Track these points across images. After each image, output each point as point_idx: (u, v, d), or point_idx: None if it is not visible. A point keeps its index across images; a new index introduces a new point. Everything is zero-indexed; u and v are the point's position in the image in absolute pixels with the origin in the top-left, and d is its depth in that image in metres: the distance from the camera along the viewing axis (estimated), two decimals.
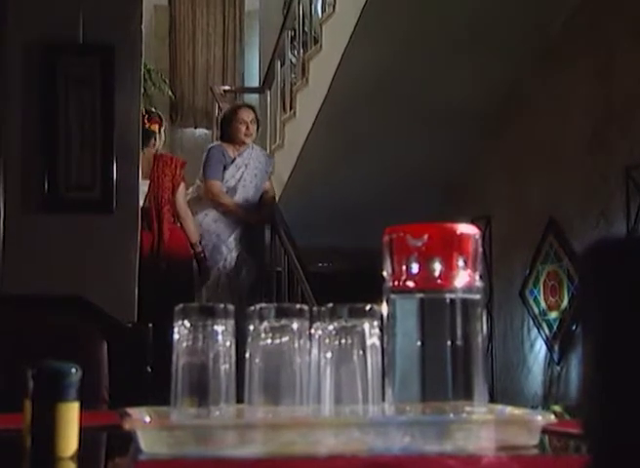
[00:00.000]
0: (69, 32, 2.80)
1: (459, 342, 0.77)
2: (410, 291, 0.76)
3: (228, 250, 4.26)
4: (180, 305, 0.82)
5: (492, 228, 4.84)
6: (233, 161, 4.38)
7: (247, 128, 4.38)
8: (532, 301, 4.56)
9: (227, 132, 4.42)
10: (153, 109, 4.45)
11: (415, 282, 0.76)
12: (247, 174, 4.38)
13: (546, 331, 4.42)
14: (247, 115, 4.41)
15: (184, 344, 0.82)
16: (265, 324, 0.82)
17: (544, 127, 4.52)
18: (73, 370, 0.77)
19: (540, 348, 4.47)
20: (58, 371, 0.76)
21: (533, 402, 4.33)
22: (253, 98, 7.04)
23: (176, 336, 0.83)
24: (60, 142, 2.77)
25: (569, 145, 4.35)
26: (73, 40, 2.81)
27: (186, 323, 0.81)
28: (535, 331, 4.51)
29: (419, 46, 4.42)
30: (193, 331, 0.81)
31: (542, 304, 4.48)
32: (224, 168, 4.36)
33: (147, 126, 3.93)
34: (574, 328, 4.25)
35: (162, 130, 4.21)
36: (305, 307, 0.85)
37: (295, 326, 0.82)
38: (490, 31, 4.35)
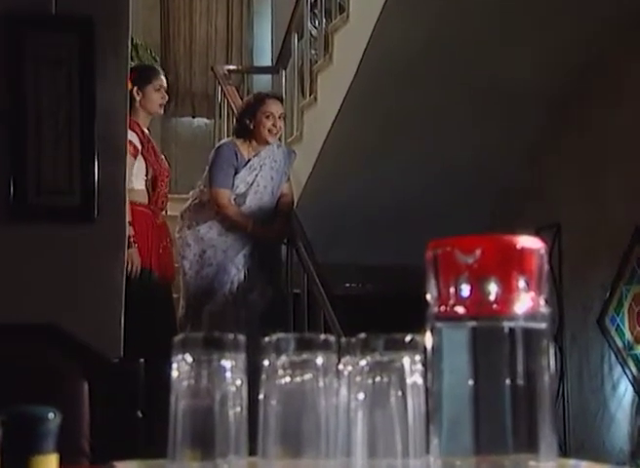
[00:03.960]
0: (39, 2, 2.85)
1: (520, 382, 0.77)
2: (459, 318, 0.77)
3: (237, 269, 4.28)
4: (180, 335, 0.84)
5: (561, 240, 4.83)
6: (247, 163, 4.39)
7: (273, 123, 4.38)
8: (614, 331, 4.53)
9: (247, 126, 4.39)
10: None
11: (465, 307, 0.77)
12: (261, 177, 4.39)
13: (633, 369, 4.39)
14: (275, 108, 4.41)
15: (185, 383, 0.83)
16: (283, 358, 0.83)
17: (630, 113, 4.50)
18: (51, 416, 0.79)
19: (626, 391, 4.43)
20: (32, 417, 0.78)
21: (617, 458, 4.29)
22: (264, 80, 7.09)
23: (174, 374, 0.84)
24: (29, 137, 2.81)
25: None
26: (44, 11, 2.85)
27: (187, 357, 0.83)
28: (618, 368, 4.48)
29: (470, 12, 4.43)
30: (196, 367, 0.83)
31: (627, 335, 4.45)
32: (236, 172, 4.37)
33: None
34: None
35: (149, 87, 4.16)
36: (332, 338, 0.86)
37: (319, 360, 0.83)
38: None
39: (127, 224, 2.96)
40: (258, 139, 4.40)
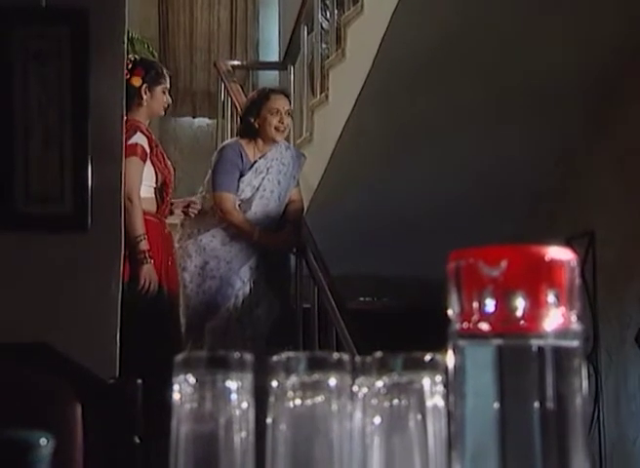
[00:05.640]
0: None
1: (550, 405, 0.77)
2: (484, 335, 0.77)
3: (242, 282, 4.29)
4: (182, 354, 0.85)
5: (596, 250, 4.82)
6: (253, 165, 4.41)
7: (280, 120, 4.39)
8: None
9: (252, 125, 4.42)
10: (134, 56, 4.44)
11: (490, 324, 0.77)
12: (267, 180, 4.40)
13: None
14: (281, 103, 4.43)
15: (187, 407, 0.84)
16: (293, 379, 0.83)
17: None
18: (43, 442, 0.80)
19: None
20: (24, 443, 0.79)
21: None
22: (271, 77, 7.12)
23: (176, 396, 0.85)
24: (16, 139, 2.83)
25: None
26: (33, 2, 2.87)
27: (190, 378, 0.83)
28: None
29: (495, 2, 4.43)
30: (199, 389, 0.83)
31: None
32: (241, 175, 4.38)
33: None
34: None
35: (159, 88, 4.16)
36: (345, 357, 0.87)
37: (332, 381, 0.84)
38: None
39: (123, 234, 2.97)
40: (264, 139, 4.41)
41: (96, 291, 2.81)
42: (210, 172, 4.46)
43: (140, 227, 3.91)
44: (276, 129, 4.39)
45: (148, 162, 4.07)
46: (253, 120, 4.42)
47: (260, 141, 4.43)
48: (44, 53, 2.85)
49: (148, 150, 4.06)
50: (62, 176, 2.81)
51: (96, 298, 2.81)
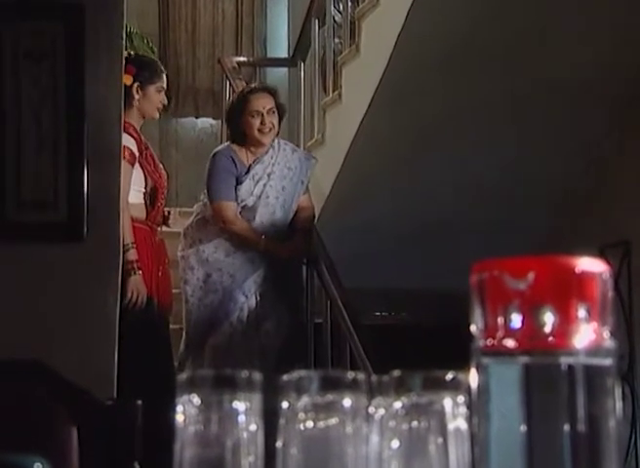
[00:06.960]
0: None
1: (580, 427, 0.77)
2: (509, 353, 0.78)
3: (245, 296, 4.28)
4: (186, 373, 0.85)
5: (631, 261, 4.80)
6: (248, 171, 4.42)
7: (262, 122, 4.41)
8: None
9: (237, 129, 4.45)
10: (128, 53, 4.43)
11: (516, 340, 0.77)
12: (270, 187, 4.40)
13: None
14: (261, 103, 4.43)
15: (192, 429, 0.84)
16: (305, 399, 0.84)
17: None
18: (38, 466, 0.80)
19: None
20: (18, 467, 0.79)
21: None
22: (280, 74, 7.14)
23: (179, 418, 0.85)
24: (7, 142, 2.84)
25: None
26: None
27: (194, 398, 0.84)
28: None
29: None
30: (204, 411, 0.83)
31: None
32: (237, 181, 4.39)
33: None
34: None
35: (152, 87, 4.15)
36: (361, 376, 0.87)
37: (346, 402, 0.84)
38: None
39: (121, 244, 2.98)
40: (251, 143, 4.42)
41: (92, 304, 2.81)
42: (205, 179, 4.47)
43: (127, 235, 3.88)
44: (259, 131, 4.39)
45: (137, 166, 4.07)
46: (236, 125, 4.44)
47: (251, 146, 4.43)
48: (37, 50, 2.86)
49: (137, 153, 4.06)
50: (56, 182, 2.82)
51: (92, 313, 2.81)
